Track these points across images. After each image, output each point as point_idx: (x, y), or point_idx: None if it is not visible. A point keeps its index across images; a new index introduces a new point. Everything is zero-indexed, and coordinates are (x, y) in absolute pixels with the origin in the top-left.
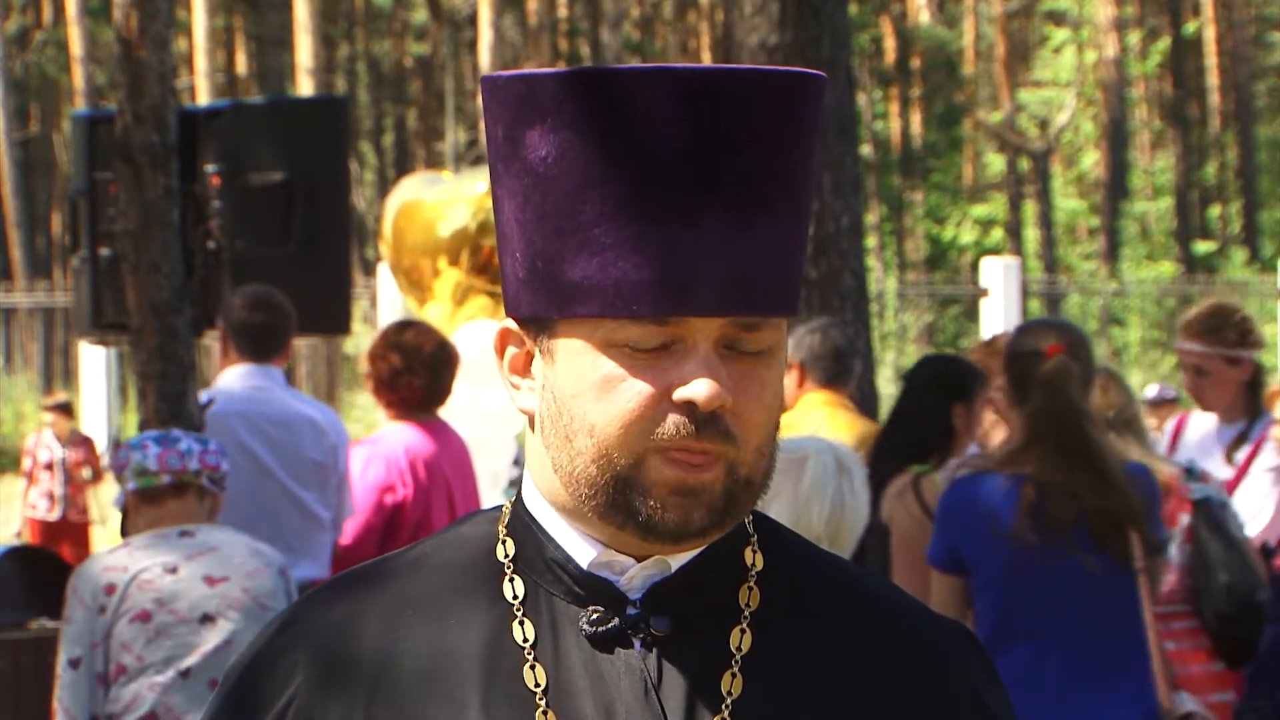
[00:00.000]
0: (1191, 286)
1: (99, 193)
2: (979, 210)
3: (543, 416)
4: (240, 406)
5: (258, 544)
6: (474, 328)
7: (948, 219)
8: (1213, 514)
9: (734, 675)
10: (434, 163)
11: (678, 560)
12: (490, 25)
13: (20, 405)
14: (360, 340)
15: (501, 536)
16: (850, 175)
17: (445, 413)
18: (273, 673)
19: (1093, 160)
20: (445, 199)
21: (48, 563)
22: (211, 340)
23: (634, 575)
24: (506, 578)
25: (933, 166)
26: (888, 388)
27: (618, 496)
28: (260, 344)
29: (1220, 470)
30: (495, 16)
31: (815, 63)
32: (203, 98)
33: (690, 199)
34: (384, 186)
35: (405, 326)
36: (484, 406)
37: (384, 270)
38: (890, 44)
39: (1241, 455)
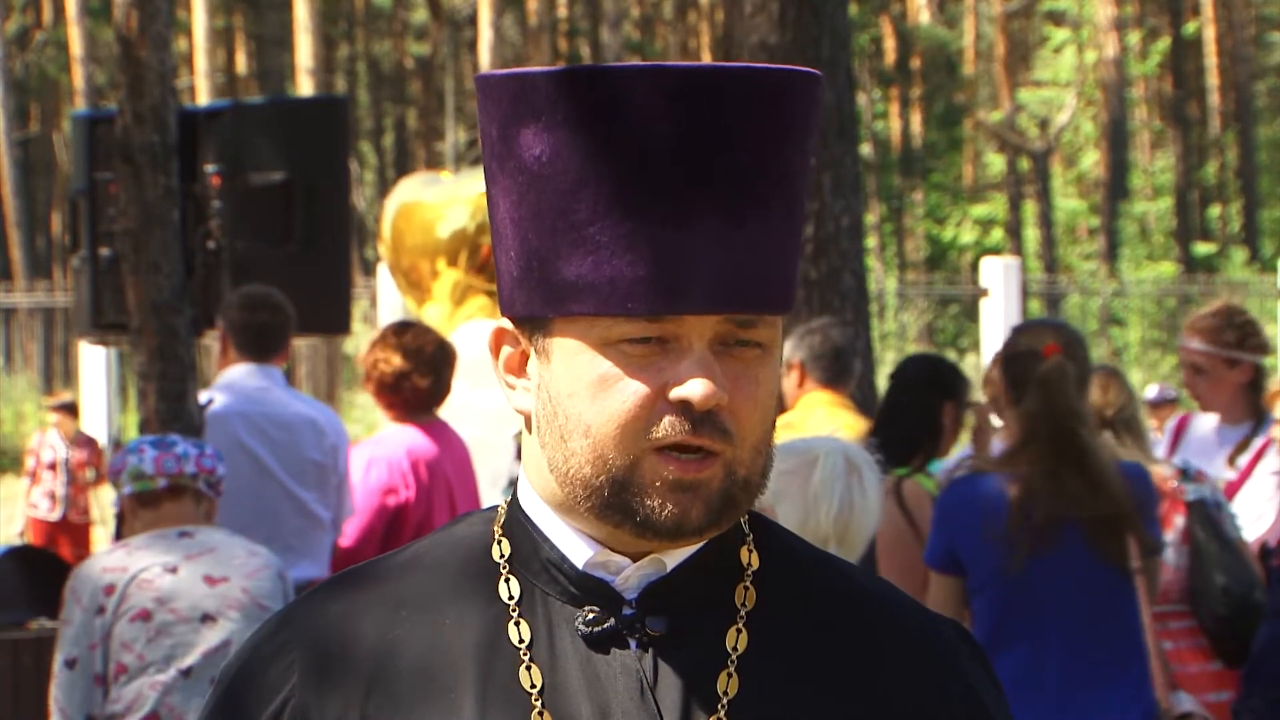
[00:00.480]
0: (1191, 287)
1: (99, 193)
2: (979, 210)
3: (538, 416)
4: (240, 406)
5: (255, 546)
6: (473, 328)
7: (948, 219)
8: (1208, 515)
9: (729, 675)
10: (434, 163)
11: (673, 560)
12: (490, 25)
13: (20, 405)
14: (360, 340)
15: (497, 536)
16: (850, 175)
17: (444, 413)
18: (269, 671)
19: (1093, 160)
20: (444, 200)
21: (48, 563)
22: (211, 340)
23: (630, 575)
24: (502, 578)
25: (933, 166)
26: None
27: (614, 497)
28: (260, 344)
29: (1222, 473)
30: (495, 16)
31: (815, 63)
32: (203, 98)
33: (684, 197)
34: (384, 186)
35: (403, 328)
36: (483, 406)
37: (384, 270)
38: (890, 44)
39: (1244, 460)
